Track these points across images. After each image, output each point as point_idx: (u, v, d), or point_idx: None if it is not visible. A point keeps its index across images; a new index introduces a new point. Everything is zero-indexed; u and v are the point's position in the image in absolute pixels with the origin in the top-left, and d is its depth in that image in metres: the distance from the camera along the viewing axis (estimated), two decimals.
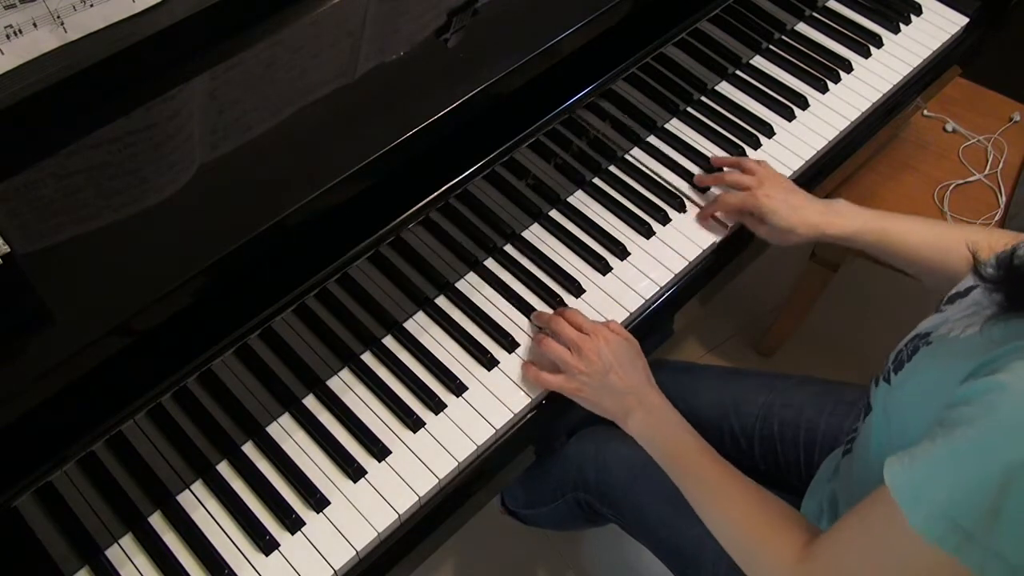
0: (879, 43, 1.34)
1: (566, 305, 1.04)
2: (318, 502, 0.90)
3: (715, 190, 1.15)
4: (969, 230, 0.99)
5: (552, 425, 1.02)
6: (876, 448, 0.80)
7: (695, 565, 1.03)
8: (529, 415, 0.99)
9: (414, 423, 0.95)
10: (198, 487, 0.91)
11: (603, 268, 1.08)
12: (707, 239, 1.12)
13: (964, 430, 0.62)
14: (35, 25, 0.79)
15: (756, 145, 1.21)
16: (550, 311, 1.03)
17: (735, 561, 0.83)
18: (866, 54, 1.33)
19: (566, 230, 1.11)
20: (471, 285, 1.06)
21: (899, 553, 0.66)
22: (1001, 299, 0.67)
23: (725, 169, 1.14)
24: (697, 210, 1.14)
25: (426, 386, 0.97)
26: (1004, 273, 0.67)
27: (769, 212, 1.06)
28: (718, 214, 1.13)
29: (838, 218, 1.04)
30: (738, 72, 1.29)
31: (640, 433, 0.93)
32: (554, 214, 1.13)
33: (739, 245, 1.15)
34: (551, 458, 1.21)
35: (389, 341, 1.01)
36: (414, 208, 0.91)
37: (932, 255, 0.98)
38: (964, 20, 1.37)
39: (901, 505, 0.64)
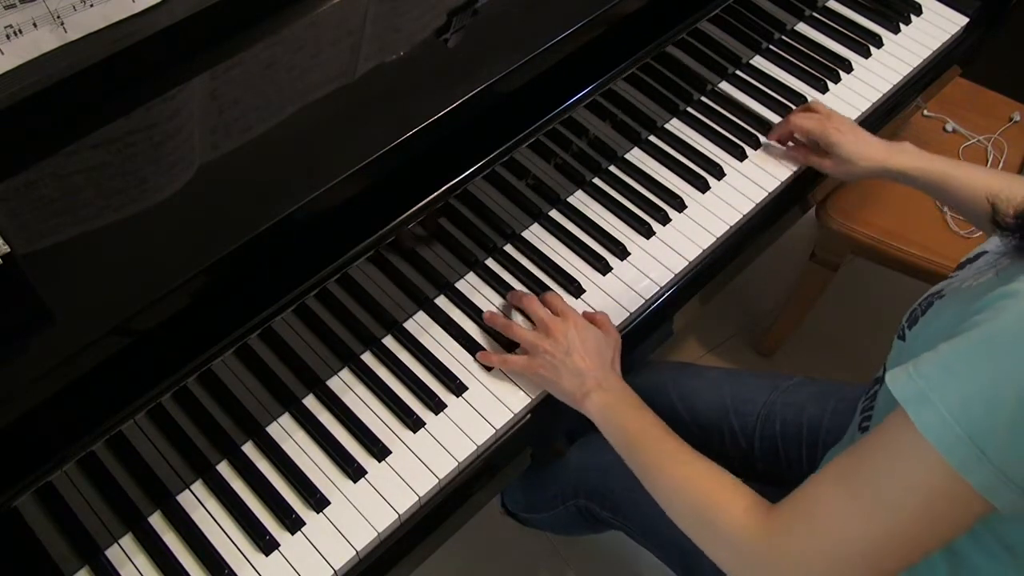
0: (879, 43, 1.34)
1: None
2: (318, 502, 0.90)
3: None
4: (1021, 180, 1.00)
5: (552, 425, 1.02)
6: (886, 412, 0.78)
7: (697, 556, 1.03)
8: (529, 415, 0.99)
9: (414, 423, 0.95)
10: (198, 487, 0.91)
11: (603, 268, 1.08)
12: (707, 239, 1.12)
13: (973, 332, 0.61)
14: (35, 25, 0.79)
15: (756, 145, 1.21)
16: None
17: (689, 535, 0.81)
18: (866, 54, 1.33)
19: (566, 230, 1.11)
20: (471, 285, 1.06)
21: (902, 478, 0.63)
22: (1018, 242, 0.68)
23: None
24: (698, 208, 1.14)
25: (426, 386, 0.97)
26: (1021, 221, 0.69)
27: (836, 144, 1.11)
28: (788, 142, 1.20)
29: (902, 154, 1.09)
30: (738, 72, 1.29)
31: (598, 412, 0.92)
32: (554, 214, 1.13)
33: (739, 245, 1.15)
34: (552, 465, 1.21)
35: (389, 341, 1.01)
36: (414, 208, 0.91)
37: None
38: (964, 20, 1.37)
39: (907, 408, 0.62)
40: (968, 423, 0.59)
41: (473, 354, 1.00)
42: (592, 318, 1.00)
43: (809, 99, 1.26)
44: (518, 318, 1.02)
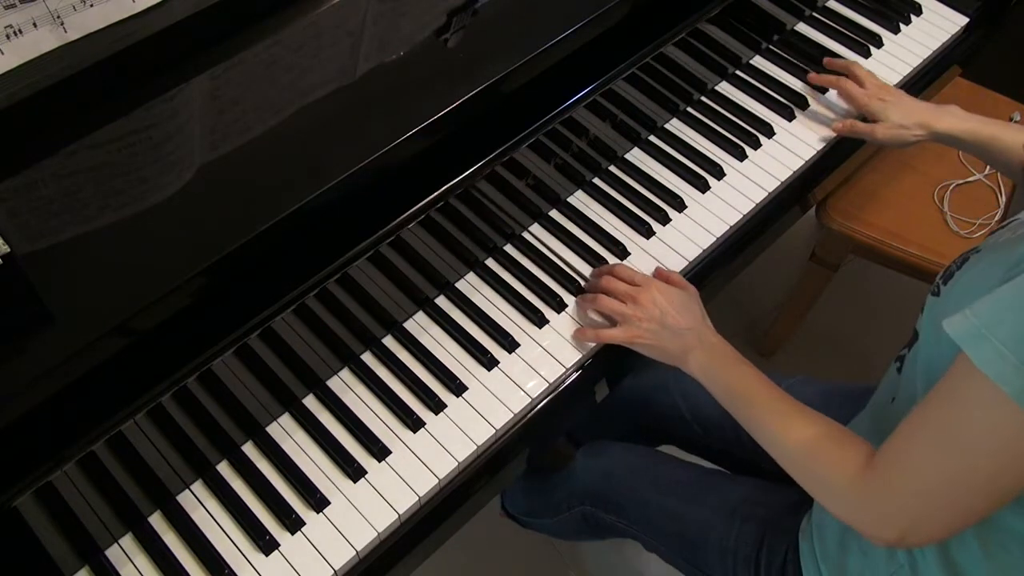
0: (879, 43, 1.34)
1: (566, 304, 1.04)
2: (318, 502, 0.90)
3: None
4: None
5: (553, 425, 1.02)
6: (924, 369, 0.79)
7: (703, 549, 1.04)
8: (529, 415, 0.99)
9: (414, 423, 0.95)
10: (198, 487, 0.91)
11: None
12: (707, 239, 1.12)
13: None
14: (35, 25, 0.79)
15: (756, 145, 1.21)
16: (551, 311, 1.04)
17: (798, 483, 0.84)
18: (866, 54, 1.33)
19: (566, 230, 1.11)
20: (471, 285, 1.06)
21: (971, 420, 0.65)
22: None
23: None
24: (698, 208, 1.14)
25: (426, 386, 0.97)
26: None
27: (879, 112, 1.16)
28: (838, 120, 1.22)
29: (949, 117, 1.11)
30: (738, 72, 1.29)
31: (701, 370, 0.95)
32: (554, 214, 1.13)
33: (739, 245, 1.15)
34: (555, 472, 1.21)
35: (389, 341, 1.01)
36: (414, 208, 0.91)
37: None
38: (964, 20, 1.37)
39: (963, 345, 0.64)
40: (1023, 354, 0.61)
41: (472, 354, 1.00)
42: (666, 277, 1.03)
43: (810, 98, 1.26)
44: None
